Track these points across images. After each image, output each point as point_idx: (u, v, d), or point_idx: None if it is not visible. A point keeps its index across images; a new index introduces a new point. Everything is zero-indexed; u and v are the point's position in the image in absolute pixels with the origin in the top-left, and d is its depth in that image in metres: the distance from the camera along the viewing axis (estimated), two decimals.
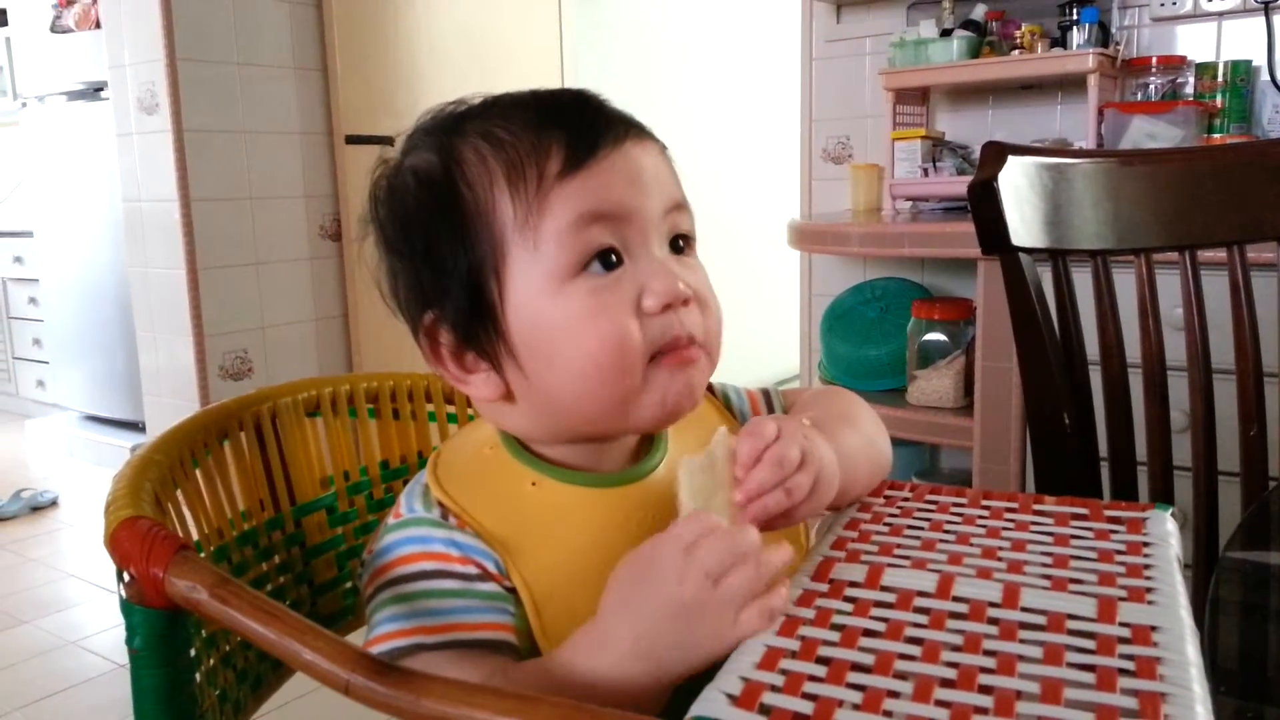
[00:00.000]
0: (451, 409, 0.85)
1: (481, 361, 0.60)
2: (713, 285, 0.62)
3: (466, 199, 0.58)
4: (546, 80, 3.57)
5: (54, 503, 3.08)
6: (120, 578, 0.52)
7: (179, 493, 0.63)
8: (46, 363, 3.96)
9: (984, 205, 0.94)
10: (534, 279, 0.57)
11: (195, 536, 0.65)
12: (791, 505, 0.54)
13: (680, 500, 0.53)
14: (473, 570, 0.57)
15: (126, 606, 0.52)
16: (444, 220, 0.58)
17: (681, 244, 0.61)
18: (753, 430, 0.55)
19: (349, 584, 0.78)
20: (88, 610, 2.32)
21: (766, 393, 0.74)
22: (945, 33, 2.26)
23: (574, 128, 0.58)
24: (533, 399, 0.60)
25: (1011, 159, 0.95)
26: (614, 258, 0.57)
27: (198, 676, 0.58)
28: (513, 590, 0.57)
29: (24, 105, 3.73)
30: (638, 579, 0.50)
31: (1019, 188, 0.95)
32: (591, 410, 0.59)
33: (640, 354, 0.57)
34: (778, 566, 0.48)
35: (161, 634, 0.53)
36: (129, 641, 0.53)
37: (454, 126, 0.60)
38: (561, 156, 0.56)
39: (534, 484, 0.60)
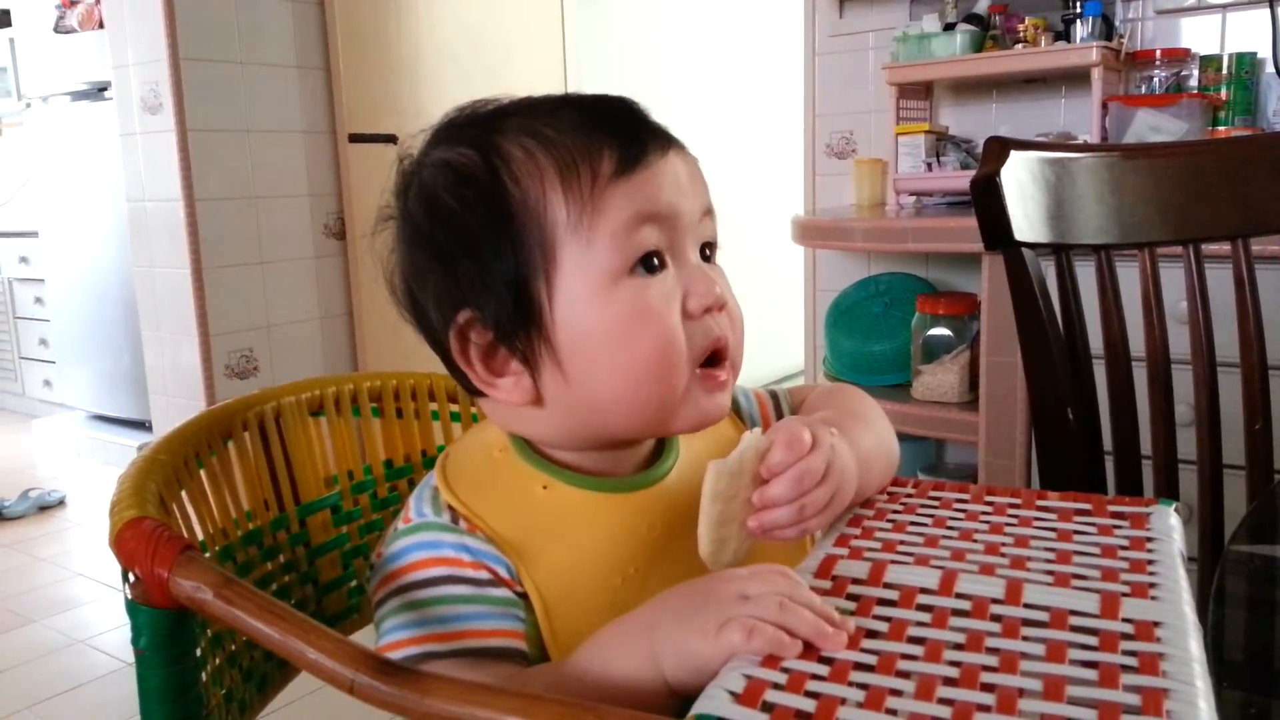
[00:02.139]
0: (455, 408, 0.86)
1: (513, 364, 0.59)
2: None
3: (514, 196, 0.57)
4: (549, 78, 3.57)
5: (61, 502, 3.10)
6: (125, 578, 0.53)
7: (183, 493, 0.63)
8: (53, 362, 3.97)
9: (986, 200, 0.94)
10: (584, 280, 0.56)
11: (200, 536, 0.65)
12: (802, 520, 0.54)
13: (703, 500, 0.53)
14: (484, 575, 0.56)
15: (132, 607, 0.52)
16: (488, 217, 0.57)
17: (708, 252, 0.62)
18: (789, 439, 0.54)
19: (354, 583, 0.79)
20: (96, 609, 2.33)
21: (774, 394, 0.74)
22: (948, 26, 2.25)
23: (623, 132, 0.58)
24: (567, 403, 0.59)
25: (1014, 154, 0.95)
26: (658, 260, 0.58)
27: (203, 676, 0.58)
28: (523, 595, 0.56)
29: (28, 106, 3.74)
30: (686, 584, 0.50)
31: (1021, 183, 0.95)
32: (633, 413, 0.58)
33: (685, 356, 0.57)
34: (806, 622, 0.44)
35: (167, 634, 0.53)
36: (134, 641, 0.53)
37: (492, 124, 0.59)
38: (615, 158, 0.56)
39: (545, 487, 0.60)
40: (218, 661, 0.62)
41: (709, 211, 0.61)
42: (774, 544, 0.61)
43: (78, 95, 3.49)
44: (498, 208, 0.57)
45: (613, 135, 0.57)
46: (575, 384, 0.58)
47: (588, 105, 0.60)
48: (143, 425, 3.45)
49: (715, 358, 0.60)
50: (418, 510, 0.59)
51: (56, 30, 3.52)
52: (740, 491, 0.54)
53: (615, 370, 0.57)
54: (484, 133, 0.59)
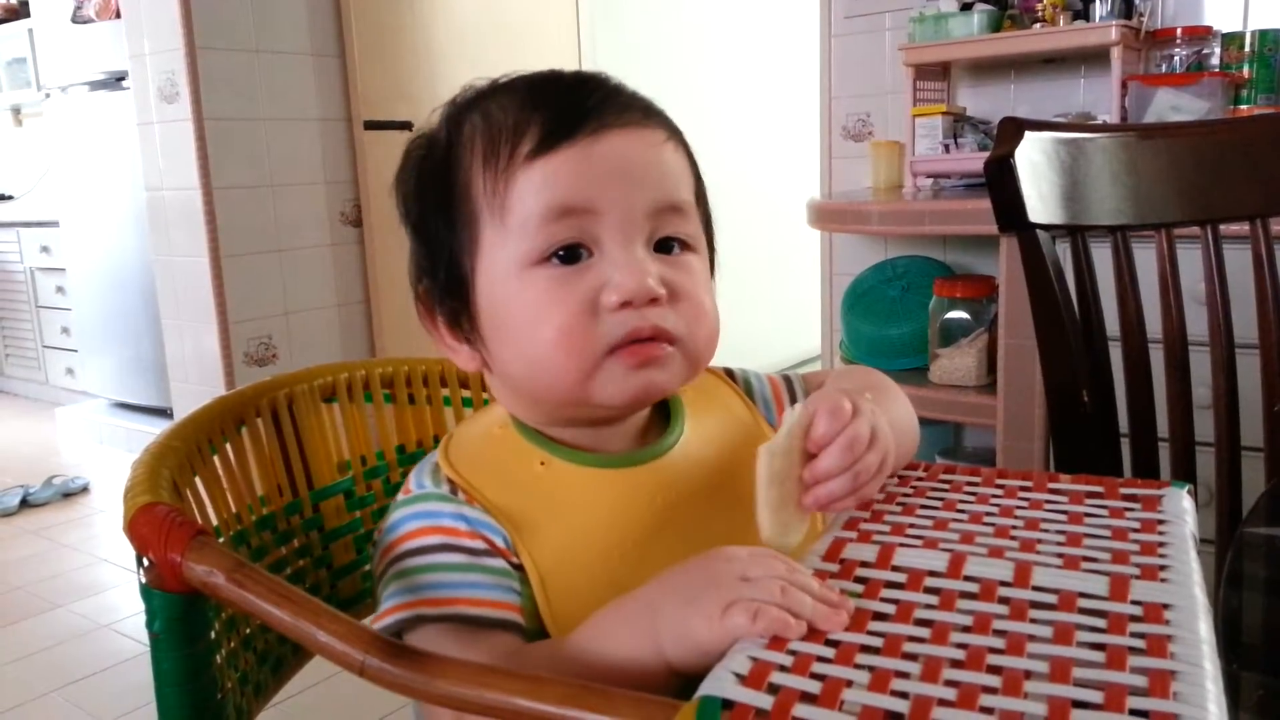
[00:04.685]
0: (466, 393, 0.86)
1: (462, 333, 0.62)
2: (711, 287, 0.61)
3: (453, 172, 0.59)
4: (564, 63, 3.55)
5: (85, 489, 3.13)
6: (140, 563, 0.53)
7: (197, 479, 0.64)
8: (75, 351, 4.01)
9: (1000, 182, 0.93)
10: (501, 260, 0.58)
11: (214, 522, 0.66)
12: (857, 488, 0.54)
13: (758, 487, 0.52)
14: (480, 545, 0.57)
15: (146, 591, 0.53)
16: (436, 192, 0.60)
17: (675, 246, 0.59)
18: (831, 409, 0.54)
19: (367, 567, 0.79)
20: (120, 594, 2.35)
21: (788, 379, 0.74)
22: (965, 6, 2.23)
23: (556, 109, 0.57)
24: (500, 375, 0.62)
25: (1028, 134, 0.94)
26: (581, 251, 0.57)
27: (218, 659, 0.59)
28: (519, 567, 0.57)
29: (47, 96, 3.76)
30: (685, 565, 0.49)
31: (1036, 164, 0.94)
32: (544, 394, 0.59)
33: (589, 348, 0.56)
34: (806, 606, 0.44)
35: (180, 618, 0.54)
36: (149, 625, 0.54)
37: (469, 103, 0.62)
38: (536, 137, 0.56)
39: (543, 463, 0.61)
40: (232, 645, 0.62)
41: (673, 207, 0.59)
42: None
43: (96, 85, 3.51)
44: (441, 184, 0.60)
45: (543, 111, 0.57)
46: (497, 360, 0.61)
47: (542, 80, 0.61)
48: (164, 412, 3.48)
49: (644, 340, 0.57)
50: (417, 482, 0.61)
51: (74, 20, 3.54)
52: (792, 471, 0.53)
53: (521, 353, 0.58)
54: (460, 110, 0.61)
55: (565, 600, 0.56)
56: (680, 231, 0.60)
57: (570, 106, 0.57)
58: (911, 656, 0.41)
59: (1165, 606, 0.44)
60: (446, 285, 0.61)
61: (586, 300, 0.56)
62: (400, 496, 0.61)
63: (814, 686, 0.40)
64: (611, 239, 0.57)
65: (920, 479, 0.63)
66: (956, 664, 0.41)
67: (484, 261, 0.59)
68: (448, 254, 0.60)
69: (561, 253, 0.56)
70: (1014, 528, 0.54)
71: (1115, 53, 2.03)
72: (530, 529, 0.58)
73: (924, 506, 0.58)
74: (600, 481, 0.60)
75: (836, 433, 0.53)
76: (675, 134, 0.62)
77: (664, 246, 0.59)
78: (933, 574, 0.49)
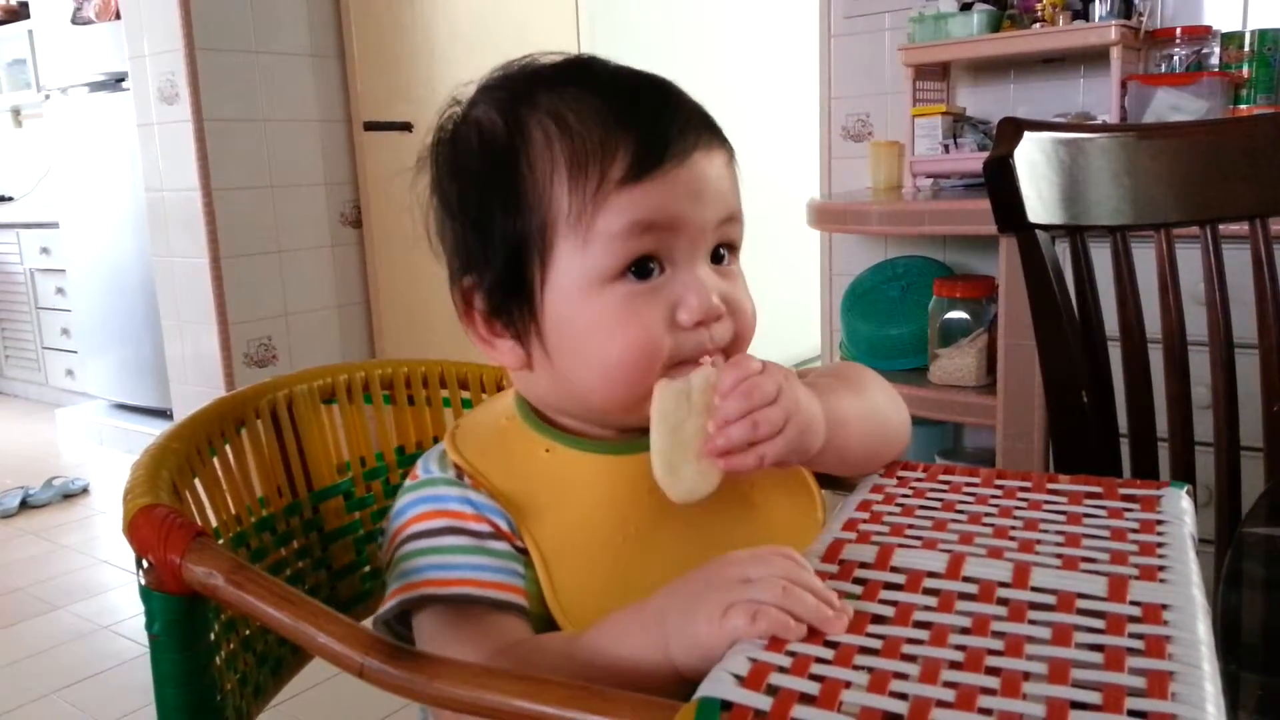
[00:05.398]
0: (466, 394, 0.86)
1: (509, 331, 0.61)
2: (748, 287, 0.63)
3: (525, 178, 0.58)
4: None
5: (85, 490, 3.13)
6: (139, 564, 0.53)
7: (197, 480, 0.64)
8: (75, 352, 4.01)
9: (1000, 182, 0.93)
10: (576, 274, 0.57)
11: (214, 523, 0.66)
12: (757, 438, 0.54)
13: (651, 422, 0.54)
14: (486, 528, 0.58)
15: (145, 592, 0.53)
16: (500, 192, 0.59)
17: (725, 252, 0.61)
18: (736, 362, 0.56)
19: (367, 568, 0.79)
20: (120, 595, 2.35)
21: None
22: (965, 6, 2.23)
23: (644, 132, 0.57)
24: (551, 375, 0.61)
25: (1028, 135, 0.94)
26: (653, 265, 0.58)
27: (218, 660, 0.59)
28: (524, 551, 0.58)
29: (47, 97, 3.76)
30: (693, 572, 0.50)
31: (1035, 164, 0.94)
32: (605, 404, 0.60)
33: (662, 362, 0.58)
34: (808, 606, 0.44)
35: (180, 619, 0.54)
36: (148, 627, 0.54)
37: (526, 92, 0.60)
38: (626, 164, 0.56)
39: (548, 450, 0.62)
40: (232, 646, 0.62)
41: (732, 217, 0.61)
42: (784, 529, 0.61)
43: (95, 86, 3.51)
44: (509, 187, 0.59)
45: (632, 135, 0.57)
46: (557, 365, 0.60)
47: (618, 91, 0.60)
48: (164, 414, 3.48)
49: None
50: (424, 468, 0.62)
51: (74, 21, 3.54)
52: (690, 419, 0.54)
53: (592, 365, 0.58)
54: (516, 101, 0.60)
55: (569, 583, 0.57)
56: (733, 237, 0.62)
57: (656, 130, 0.57)
58: (910, 658, 0.41)
59: (1164, 607, 0.44)
60: (503, 282, 0.60)
61: (665, 317, 0.58)
62: (408, 482, 0.62)
63: (813, 688, 0.40)
64: (683, 254, 0.58)
65: (919, 480, 0.63)
66: (955, 665, 0.41)
67: (556, 272, 0.58)
68: (509, 252, 0.59)
69: (634, 267, 0.57)
70: (1013, 528, 0.54)
71: (1115, 53, 2.03)
72: (535, 514, 0.59)
73: (923, 507, 0.58)
74: (604, 467, 0.61)
75: (740, 382, 0.54)
76: (729, 147, 0.63)
77: (716, 254, 0.61)
78: (932, 575, 0.49)
